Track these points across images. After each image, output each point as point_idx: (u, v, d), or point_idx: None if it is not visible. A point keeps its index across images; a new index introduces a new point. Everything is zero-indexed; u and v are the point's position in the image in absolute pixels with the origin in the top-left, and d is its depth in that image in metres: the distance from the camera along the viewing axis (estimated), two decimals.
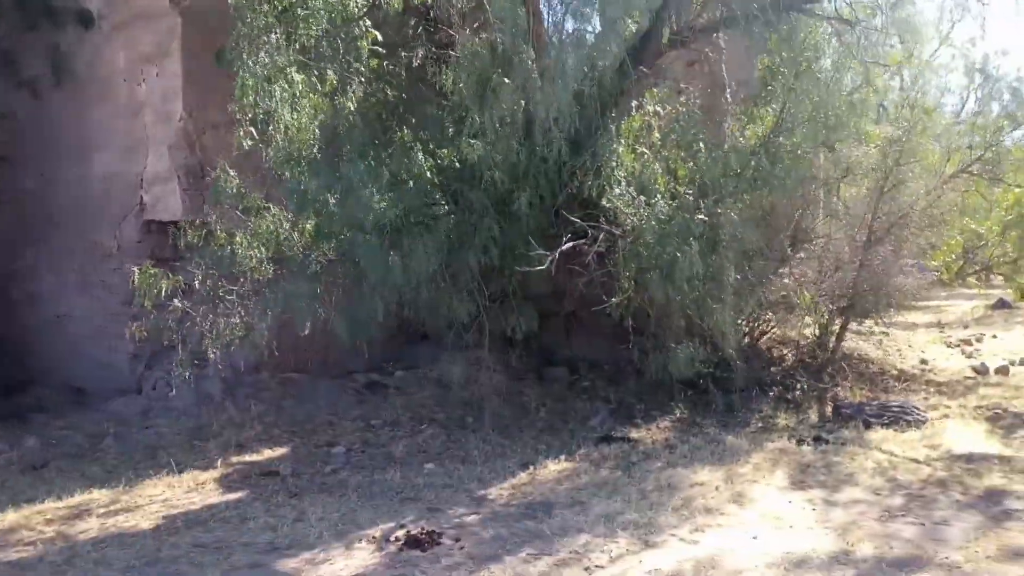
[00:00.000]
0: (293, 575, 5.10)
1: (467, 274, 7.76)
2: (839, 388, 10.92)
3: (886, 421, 9.19)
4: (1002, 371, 12.55)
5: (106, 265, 11.08)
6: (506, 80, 7.03)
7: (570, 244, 8.11)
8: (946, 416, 9.78)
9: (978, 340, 16.03)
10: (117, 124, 10.97)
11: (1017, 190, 11.36)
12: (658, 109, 9.34)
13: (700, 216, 8.18)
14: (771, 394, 10.42)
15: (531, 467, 7.79)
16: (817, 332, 12.01)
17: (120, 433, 9.20)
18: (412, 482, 7.39)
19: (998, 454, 7.83)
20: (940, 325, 20.53)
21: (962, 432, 8.89)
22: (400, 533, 5.76)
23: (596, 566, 5.07)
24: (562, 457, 8.14)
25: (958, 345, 15.43)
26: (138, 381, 11.07)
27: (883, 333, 15.66)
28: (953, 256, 12.52)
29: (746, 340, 12.18)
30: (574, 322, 11.95)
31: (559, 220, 8.40)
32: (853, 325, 15.52)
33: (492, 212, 7.67)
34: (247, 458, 8.42)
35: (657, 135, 9.26)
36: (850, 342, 14.16)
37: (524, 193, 7.32)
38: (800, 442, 8.66)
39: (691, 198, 9.29)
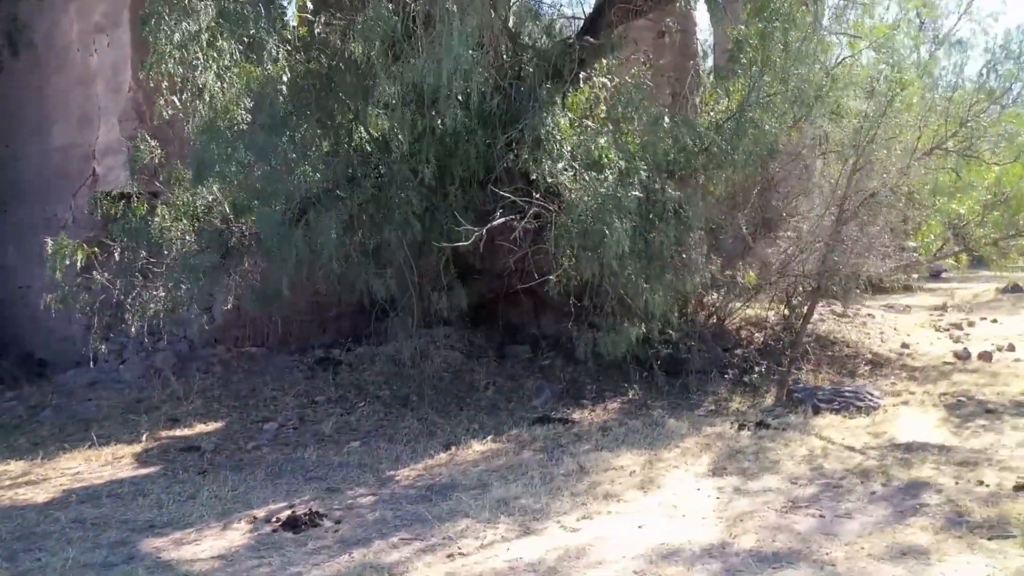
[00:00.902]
0: (153, 554, 5.02)
1: (389, 250, 7.57)
2: (802, 371, 10.59)
3: (836, 407, 8.88)
4: (984, 357, 12.09)
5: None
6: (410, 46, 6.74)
7: (501, 220, 7.87)
8: (905, 403, 9.43)
9: (970, 325, 15.50)
10: (73, 95, 10.92)
11: (997, 168, 10.81)
12: (605, 81, 9.01)
13: (635, 192, 7.87)
14: (726, 377, 10.12)
15: (454, 448, 7.65)
16: (786, 314, 11.67)
17: (60, 405, 9.23)
18: (327, 460, 7.29)
19: (941, 444, 7.49)
20: (944, 307, 20.02)
21: (914, 420, 8.55)
22: (285, 514, 5.65)
23: (460, 553, 4.91)
24: (490, 438, 7.99)
25: (947, 329, 14.95)
26: (93, 353, 11.10)
27: (869, 315, 15.30)
28: (932, 237, 12.01)
29: (713, 320, 11.93)
30: (541, 300, 11.74)
31: (494, 195, 8.16)
32: (839, 307, 15.23)
33: (415, 185, 7.44)
34: (177, 433, 8.38)
35: (603, 108, 8.93)
36: (830, 324, 13.83)
37: (428, 166, 7.07)
38: (742, 427, 8.39)
39: (638, 174, 9.01)
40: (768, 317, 12.37)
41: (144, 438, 7.85)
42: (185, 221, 7.45)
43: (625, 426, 8.57)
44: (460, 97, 6.82)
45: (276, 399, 9.55)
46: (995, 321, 17.12)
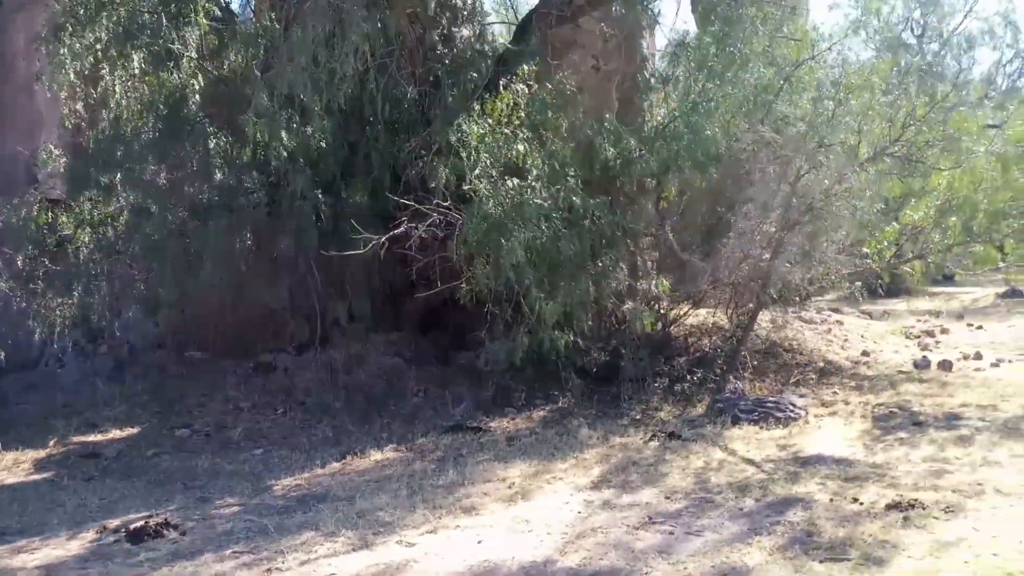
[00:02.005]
0: None
1: (287, 259, 7.59)
2: (742, 380, 10.39)
3: (755, 418, 8.70)
4: (944, 366, 11.79)
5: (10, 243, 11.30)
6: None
7: (404, 228, 7.84)
8: (833, 414, 9.21)
9: (943, 332, 15.12)
10: (19, 103, 11.12)
11: (946, 173, 10.50)
12: (523, 88, 8.93)
13: (537, 200, 7.79)
14: (656, 386, 9.97)
15: (351, 457, 7.65)
16: (728, 322, 11.49)
17: None
18: (219, 469, 7.33)
19: (844, 458, 7.30)
20: (938, 313, 19.59)
21: (831, 432, 8.35)
22: (136, 525, 5.67)
23: (278, 568, 4.89)
24: (392, 447, 7.98)
25: (918, 337, 14.60)
26: (39, 356, 11.30)
27: (837, 322, 14.98)
28: (885, 243, 11.71)
29: (659, 327, 11.76)
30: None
31: (404, 203, 8.14)
32: (805, 313, 14.95)
33: (313, 195, 7.44)
34: (90, 438, 8.48)
35: (520, 115, 8.85)
36: (791, 331, 13.55)
37: (301, 176, 7.06)
38: (653, 438, 8.26)
39: (565, 180, 8.95)
40: (722, 324, 12.18)
41: (52, 443, 7.95)
42: (89, 229, 7.51)
43: (536, 435, 8.50)
44: (344, 105, 6.79)
45: (202, 405, 9.62)
46: (980, 327, 16.70)
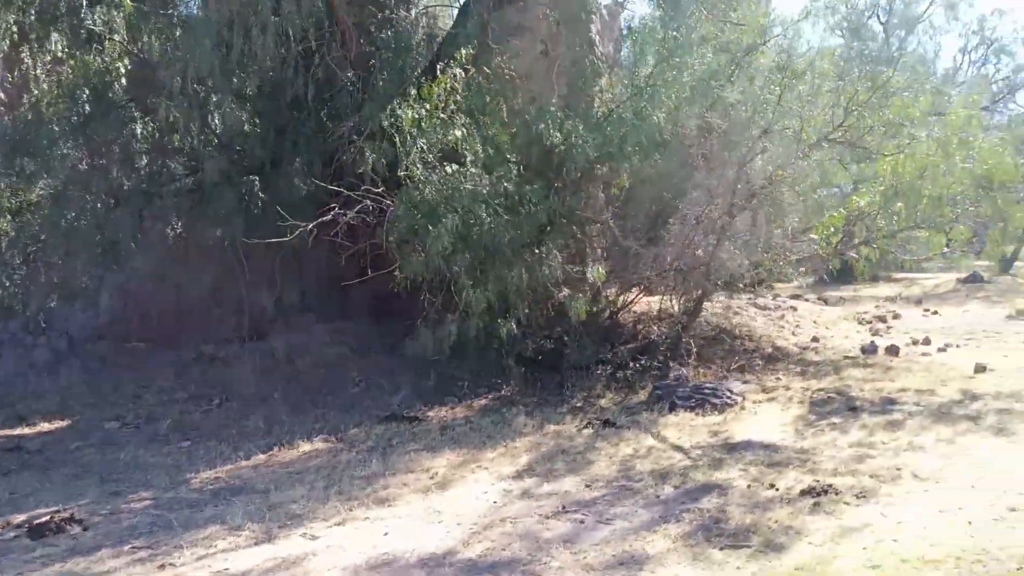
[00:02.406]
0: None
1: (214, 247, 7.44)
2: (687, 367, 10.37)
3: (692, 404, 8.70)
4: (891, 351, 11.85)
5: None
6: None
7: (330, 216, 7.71)
8: (772, 399, 9.23)
9: (895, 317, 15.23)
10: None
11: (889, 159, 10.50)
12: (460, 72, 8.79)
13: (468, 187, 7.69)
14: (598, 373, 9.95)
15: (278, 448, 7.55)
16: (674, 309, 11.48)
17: None
18: (140, 462, 7.21)
19: (772, 443, 7.30)
20: (896, 298, 19.75)
21: (766, 418, 8.36)
22: (41, 520, 5.55)
23: (171, 564, 4.80)
24: (321, 438, 7.89)
25: (871, 322, 14.69)
26: None
27: (791, 308, 15.03)
28: (832, 229, 11.71)
29: (606, 314, 11.74)
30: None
31: (328, 191, 8.00)
32: (760, 300, 14.98)
33: (239, 181, 7.29)
34: (16, 432, 8.32)
35: (456, 100, 8.72)
36: (743, 317, 13.57)
37: (214, 160, 6.91)
38: (587, 426, 8.24)
39: (506, 166, 8.85)
40: (672, 311, 12.16)
41: None
42: (9, 216, 7.32)
43: (471, 424, 8.45)
44: (263, 89, 6.65)
45: (138, 397, 9.48)
46: (935, 312, 16.84)
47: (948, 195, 10.79)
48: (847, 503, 5.55)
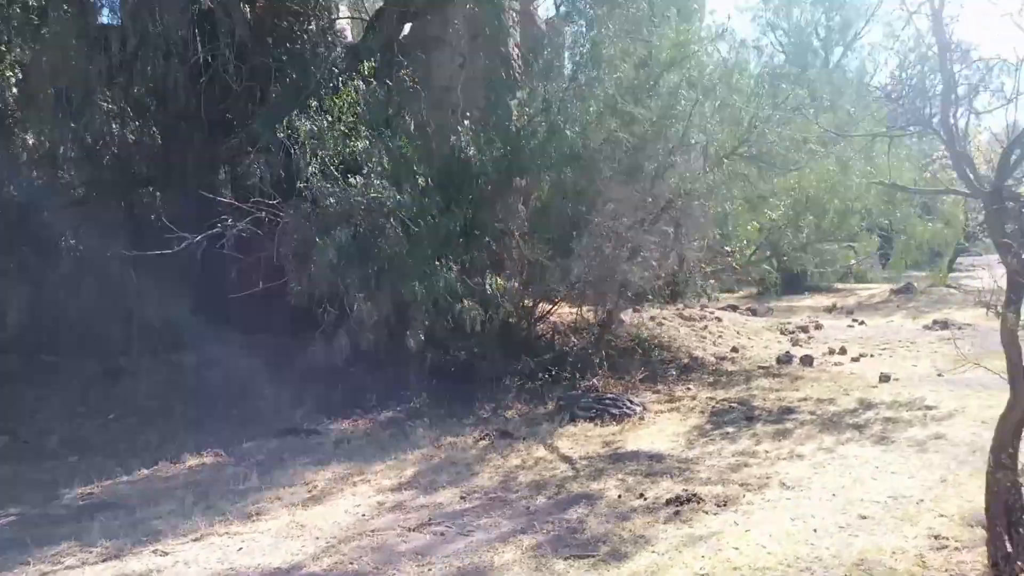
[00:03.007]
0: None
1: (101, 260, 7.36)
2: (596, 378, 10.44)
3: (592, 415, 8.78)
4: (806, 361, 12.09)
5: None
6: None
7: (218, 228, 7.67)
8: (675, 410, 9.35)
9: (817, 328, 15.51)
10: None
11: (796, 173, 10.75)
12: (360, 84, 8.82)
13: (369, 197, 7.70)
14: (508, 384, 9.97)
15: (162, 463, 7.44)
16: (595, 320, 11.59)
17: None
18: (19, 477, 7.08)
19: (661, 453, 7.38)
20: (832, 308, 20.10)
21: (663, 428, 8.46)
22: None
23: None
24: (211, 452, 7.81)
25: (793, 332, 14.95)
26: None
27: (716, 319, 15.24)
28: (745, 242, 11.96)
29: (524, 327, 11.80)
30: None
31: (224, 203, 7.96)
32: (686, 311, 15.17)
33: (127, 192, 7.22)
34: None
35: (358, 112, 8.75)
36: (664, 328, 13.72)
37: (98, 171, 6.85)
38: (485, 438, 8.26)
39: (412, 179, 8.90)
40: (592, 322, 12.26)
41: None
42: None
43: (368, 437, 8.43)
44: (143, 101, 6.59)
45: (36, 411, 9.30)
46: (862, 322, 17.16)
47: (852, 209, 11.08)
48: (706, 512, 5.63)
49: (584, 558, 4.81)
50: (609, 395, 9.18)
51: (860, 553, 4.64)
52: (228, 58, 7.72)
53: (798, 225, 11.17)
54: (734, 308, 18.24)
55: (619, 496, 6.12)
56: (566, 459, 7.38)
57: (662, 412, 9.20)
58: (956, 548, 4.59)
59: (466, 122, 10.95)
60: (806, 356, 12.34)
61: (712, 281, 10.99)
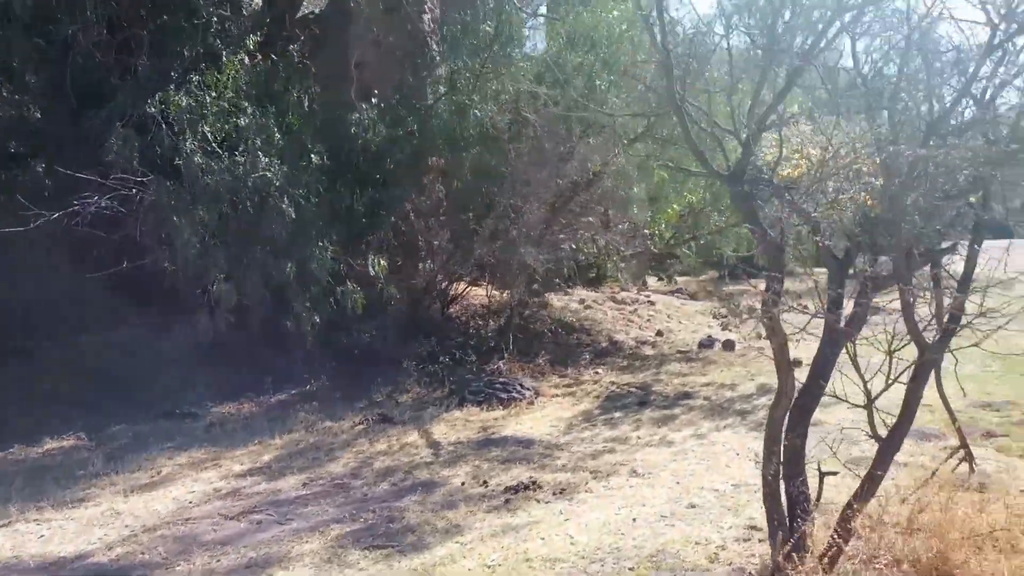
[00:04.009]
0: None
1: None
2: (502, 361, 10.27)
3: (481, 399, 8.60)
4: (727, 346, 11.94)
5: None
6: None
7: (77, 205, 7.39)
8: (571, 394, 9.19)
9: (752, 312, 15.39)
10: None
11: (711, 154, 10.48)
12: (245, 60, 8.54)
13: (218, 177, 7.44)
14: (409, 367, 9.78)
15: (18, 445, 7.24)
16: (510, 304, 11.39)
17: None
18: None
19: (532, 439, 7.21)
20: (795, 294, 19.96)
21: (549, 413, 8.29)
22: None
23: None
24: (74, 436, 7.61)
25: (725, 317, 14.80)
26: None
27: (650, 302, 15.08)
28: (664, 225, 11.76)
29: (436, 307, 11.62)
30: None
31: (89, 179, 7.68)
32: (619, 294, 15.01)
33: None
34: None
35: (240, 87, 8.47)
36: (594, 311, 13.55)
37: None
38: (363, 422, 8.08)
39: (309, 156, 8.67)
40: (511, 305, 12.06)
41: None
42: None
43: (248, 421, 8.25)
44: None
45: None
46: (806, 307, 17.06)
47: None
48: (539, 500, 5.47)
49: (382, 548, 4.64)
50: (501, 379, 9.01)
51: (663, 544, 4.48)
52: (99, 31, 7.42)
53: (719, 208, 10.96)
54: (680, 292, 18.06)
55: (462, 484, 5.95)
56: (434, 445, 7.20)
57: (556, 397, 9.04)
58: (761, 540, 4.43)
59: (373, 99, 10.70)
60: (728, 341, 12.18)
61: (630, 263, 10.78)
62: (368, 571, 4.33)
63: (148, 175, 7.72)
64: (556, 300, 13.19)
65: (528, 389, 8.77)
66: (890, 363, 3.55)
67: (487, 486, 5.85)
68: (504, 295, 11.74)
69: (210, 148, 8.26)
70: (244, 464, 6.70)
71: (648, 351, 11.80)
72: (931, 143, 3.34)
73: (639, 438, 7.17)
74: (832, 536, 3.74)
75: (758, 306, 3.83)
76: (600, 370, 10.54)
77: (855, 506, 3.69)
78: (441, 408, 8.47)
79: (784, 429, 3.80)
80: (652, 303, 14.95)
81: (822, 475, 3.98)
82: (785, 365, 3.75)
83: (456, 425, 7.87)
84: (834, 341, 3.78)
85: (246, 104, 8.46)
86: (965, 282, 3.69)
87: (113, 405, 8.77)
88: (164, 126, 7.84)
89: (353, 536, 4.85)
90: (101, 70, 7.50)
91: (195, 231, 6.92)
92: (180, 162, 7.93)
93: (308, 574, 4.32)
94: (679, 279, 19.07)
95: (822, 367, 3.87)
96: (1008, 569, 3.45)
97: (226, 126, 8.32)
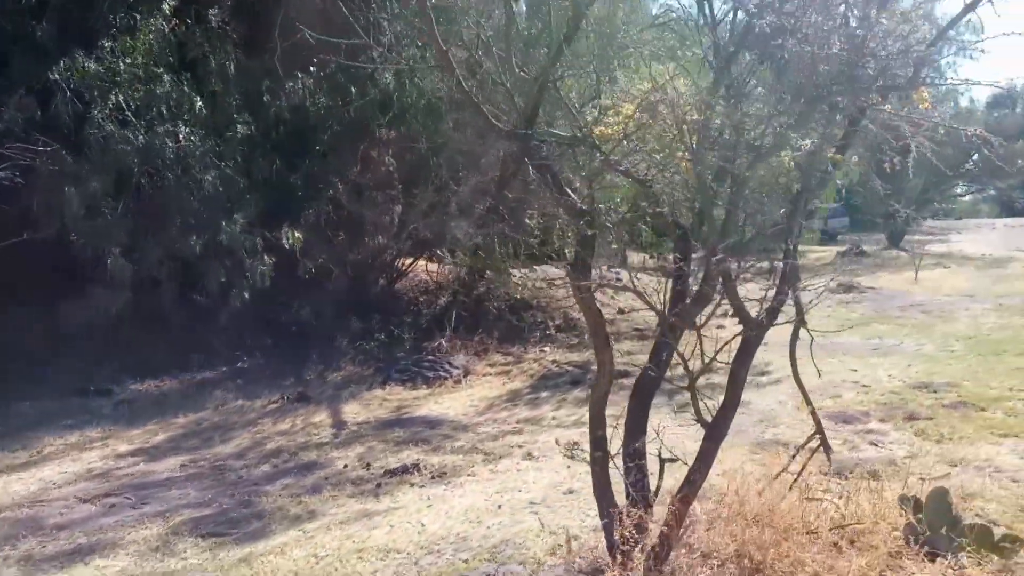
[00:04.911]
0: None
1: None
2: (443, 339, 9.94)
3: (405, 378, 8.30)
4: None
5: None
6: None
7: None
8: (504, 373, 8.86)
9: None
10: None
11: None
12: (163, 26, 8.18)
13: (121, 147, 7.12)
14: (344, 345, 9.49)
15: None
16: (465, 280, 11.06)
17: None
18: None
19: (444, 419, 6.90)
20: (769, 272, 19.49)
21: (472, 392, 7.98)
22: None
23: None
24: None
25: None
26: None
27: (617, 279, 14.66)
28: (619, 199, 11.30)
29: (382, 283, 11.30)
30: None
31: None
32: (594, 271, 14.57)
33: None
34: None
35: (155, 54, 8.13)
36: (558, 289, 13.15)
37: None
38: (280, 400, 7.82)
39: (235, 127, 8.33)
40: (468, 282, 11.73)
41: None
42: None
43: (161, 399, 8.00)
44: None
45: None
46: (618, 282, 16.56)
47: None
48: (413, 484, 5.16)
49: (218, 536, 4.35)
50: (430, 358, 8.69)
51: (515, 534, 4.15)
52: None
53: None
54: (657, 271, 17.57)
55: (345, 466, 5.66)
56: (339, 424, 6.92)
57: (489, 376, 8.72)
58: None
59: (312, 68, 10.30)
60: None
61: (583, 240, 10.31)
62: (190, 561, 4.04)
63: (50, 145, 7.41)
64: (517, 277, 12.83)
65: (457, 368, 8.45)
66: (700, 343, 3.18)
67: (369, 469, 5.54)
68: (449, 271, 11.41)
69: (123, 117, 7.94)
70: (134, 444, 6.43)
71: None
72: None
73: (554, 419, 6.84)
74: (663, 530, 3.39)
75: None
76: (548, 348, 10.20)
77: (684, 495, 3.35)
78: (363, 387, 8.19)
79: (626, 412, 3.45)
80: (620, 280, 14.53)
81: (662, 462, 3.63)
82: (601, 343, 3.38)
83: (371, 404, 7.57)
84: (671, 327, 3.41)
85: (162, 71, 8.11)
86: (790, 259, 3.32)
87: (23, 383, 8.52)
88: (68, 93, 7.50)
89: (196, 523, 4.55)
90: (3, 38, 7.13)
91: (87, 202, 6.58)
92: (94, 131, 7.62)
93: (127, 563, 4.03)
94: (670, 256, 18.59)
95: (658, 351, 3.51)
96: (837, 566, 3.10)
97: (137, 95, 7.97)
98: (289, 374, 8.98)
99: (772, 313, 3.24)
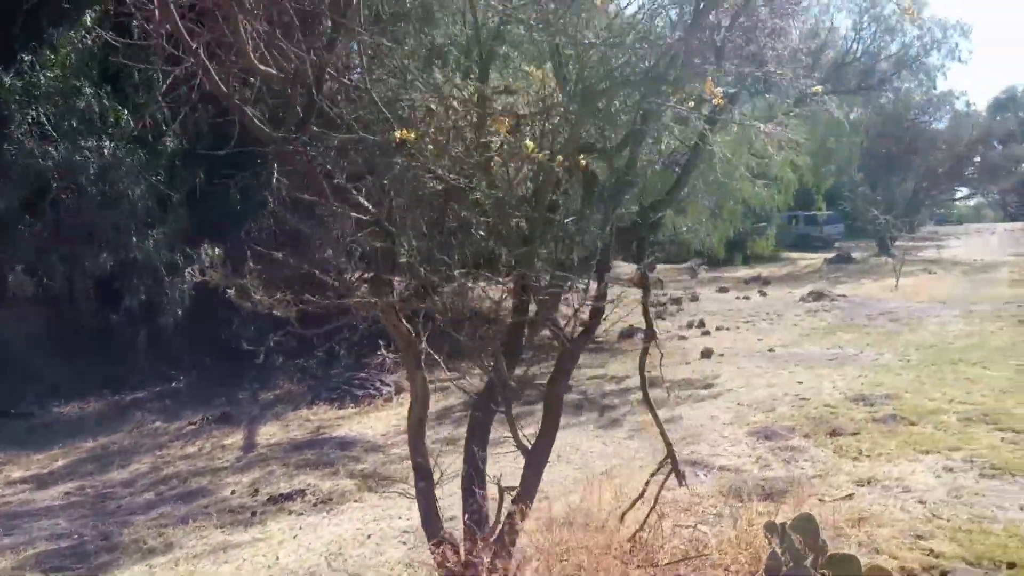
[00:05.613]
0: None
1: None
2: (382, 355, 9.64)
3: (335, 396, 8.01)
4: (651, 336, 11.20)
5: None
6: None
7: None
8: (442, 389, 8.52)
9: (693, 300, 14.66)
10: None
11: None
12: (84, 38, 8.00)
13: (32, 162, 6.91)
14: (281, 364, 9.22)
15: None
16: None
17: None
18: None
19: (360, 440, 6.62)
20: (749, 280, 19.17)
21: (401, 412, 7.64)
22: None
23: None
24: None
25: (663, 305, 14.10)
26: None
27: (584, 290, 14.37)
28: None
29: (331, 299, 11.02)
30: None
31: None
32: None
33: None
34: None
35: (74, 66, 7.94)
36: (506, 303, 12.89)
37: None
38: (197, 423, 7.54)
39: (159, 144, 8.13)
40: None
41: None
42: None
43: (80, 422, 7.76)
44: None
45: None
46: (763, 294, 16.23)
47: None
48: (292, 512, 4.88)
49: (61, 571, 4.08)
50: (361, 376, 8.40)
51: (369, 567, 3.86)
52: None
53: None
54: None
55: (232, 492, 5.38)
56: (248, 447, 6.64)
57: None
58: None
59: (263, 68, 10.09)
60: (651, 332, 11.42)
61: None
62: None
63: None
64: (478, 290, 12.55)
65: (389, 385, 8.16)
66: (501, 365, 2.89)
67: (256, 496, 5.26)
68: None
69: (43, 131, 7.74)
70: (29, 470, 6.18)
71: (554, 342, 11.11)
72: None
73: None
74: (491, 562, 3.10)
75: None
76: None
77: (508, 525, 3.06)
78: (291, 406, 7.91)
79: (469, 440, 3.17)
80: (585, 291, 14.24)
81: (502, 491, 3.34)
82: (411, 366, 3.10)
83: (290, 425, 7.29)
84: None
85: (82, 84, 7.91)
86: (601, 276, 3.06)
87: None
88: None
89: (45, 556, 4.28)
90: None
91: None
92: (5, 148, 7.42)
93: None
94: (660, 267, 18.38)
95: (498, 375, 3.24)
96: None
97: (54, 109, 7.77)
98: (222, 394, 8.71)
99: (586, 329, 2.95)
